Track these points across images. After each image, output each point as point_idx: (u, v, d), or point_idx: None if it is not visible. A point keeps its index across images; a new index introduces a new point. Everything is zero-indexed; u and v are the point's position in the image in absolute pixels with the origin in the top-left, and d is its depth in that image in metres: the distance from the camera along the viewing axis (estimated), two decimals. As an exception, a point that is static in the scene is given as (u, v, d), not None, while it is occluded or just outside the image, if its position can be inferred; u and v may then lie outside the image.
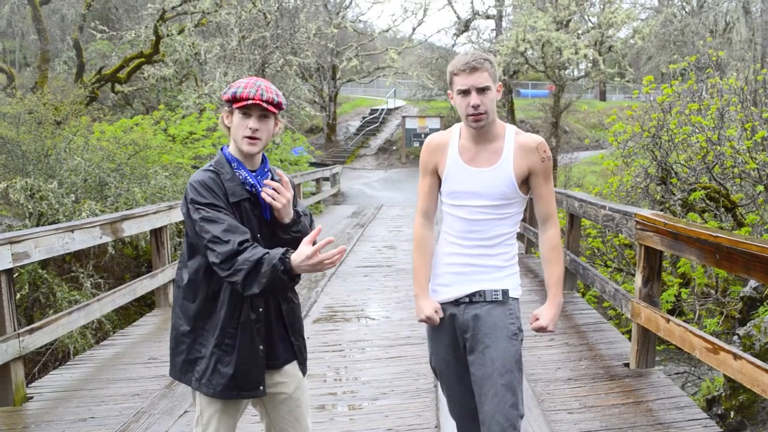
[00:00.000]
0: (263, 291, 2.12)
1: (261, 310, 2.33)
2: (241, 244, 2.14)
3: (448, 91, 2.51)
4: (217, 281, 2.25)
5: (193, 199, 2.22)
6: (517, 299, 2.53)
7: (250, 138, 2.25)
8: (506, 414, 2.34)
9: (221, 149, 2.36)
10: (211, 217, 2.18)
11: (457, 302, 2.51)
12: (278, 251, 2.13)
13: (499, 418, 2.34)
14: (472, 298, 2.48)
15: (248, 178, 2.28)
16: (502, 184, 2.45)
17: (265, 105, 2.23)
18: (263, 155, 2.40)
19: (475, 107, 2.38)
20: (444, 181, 2.53)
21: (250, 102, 2.22)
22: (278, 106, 2.28)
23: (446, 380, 2.65)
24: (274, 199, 2.28)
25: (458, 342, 2.53)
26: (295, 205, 2.38)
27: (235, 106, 2.25)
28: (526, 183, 2.49)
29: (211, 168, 2.29)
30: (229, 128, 2.30)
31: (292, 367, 2.44)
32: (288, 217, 2.32)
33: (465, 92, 2.40)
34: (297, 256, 2.10)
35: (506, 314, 2.46)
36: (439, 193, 2.61)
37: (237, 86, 2.26)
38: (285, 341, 2.42)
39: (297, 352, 2.45)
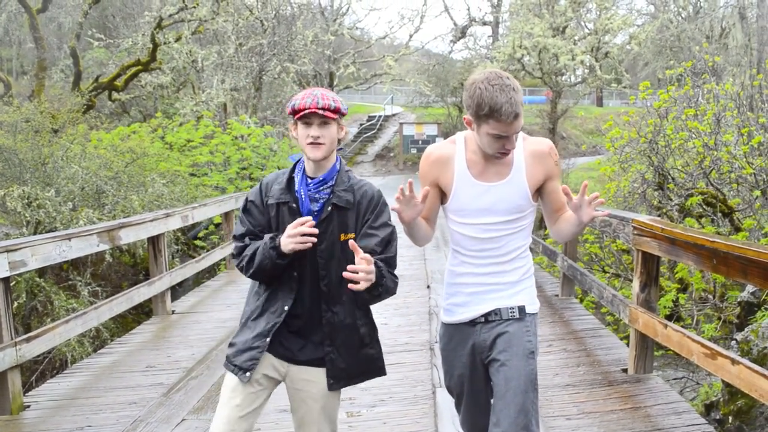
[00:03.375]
0: (258, 269, 2.35)
1: (297, 308, 2.42)
2: (251, 240, 2.42)
3: (464, 116, 2.33)
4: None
5: (248, 194, 2.50)
6: (534, 314, 2.46)
7: (312, 144, 2.34)
8: None
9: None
10: (242, 217, 2.48)
11: (473, 322, 2.45)
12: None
13: None
14: (488, 318, 2.42)
15: (301, 185, 2.41)
16: (516, 196, 2.37)
17: (321, 112, 2.31)
18: (338, 161, 2.46)
19: (509, 151, 2.31)
20: (451, 198, 2.43)
21: (307, 111, 2.30)
22: (336, 111, 2.35)
23: (461, 400, 2.60)
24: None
25: (476, 362, 2.46)
26: (372, 248, 2.55)
27: (295, 117, 2.36)
28: (538, 190, 2.42)
29: (277, 171, 2.54)
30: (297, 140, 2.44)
31: (319, 373, 2.43)
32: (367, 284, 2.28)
33: (501, 137, 2.25)
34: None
35: (523, 331, 2.39)
36: (441, 206, 2.53)
37: (295, 99, 2.36)
38: (318, 345, 2.42)
39: (326, 360, 2.42)
